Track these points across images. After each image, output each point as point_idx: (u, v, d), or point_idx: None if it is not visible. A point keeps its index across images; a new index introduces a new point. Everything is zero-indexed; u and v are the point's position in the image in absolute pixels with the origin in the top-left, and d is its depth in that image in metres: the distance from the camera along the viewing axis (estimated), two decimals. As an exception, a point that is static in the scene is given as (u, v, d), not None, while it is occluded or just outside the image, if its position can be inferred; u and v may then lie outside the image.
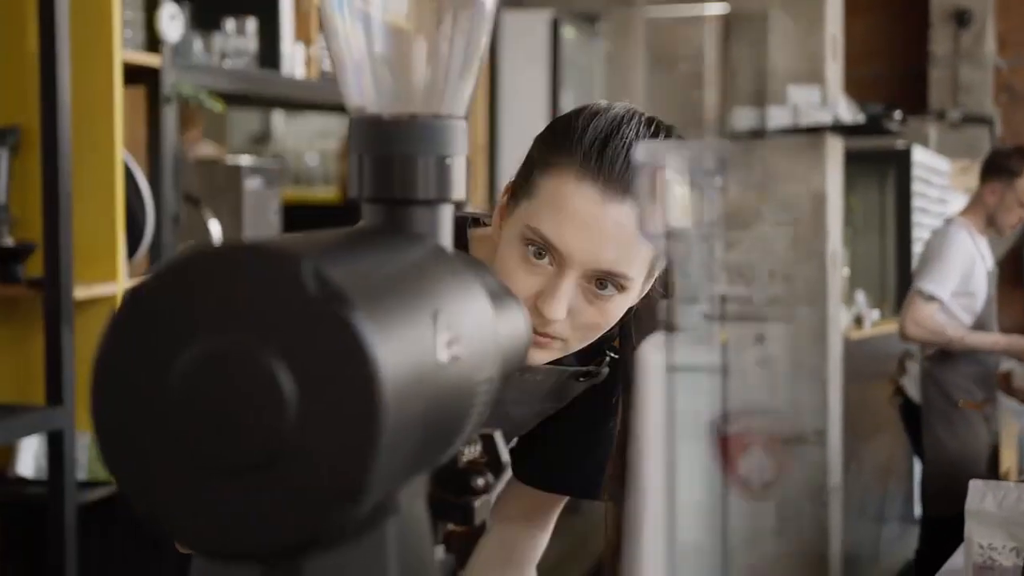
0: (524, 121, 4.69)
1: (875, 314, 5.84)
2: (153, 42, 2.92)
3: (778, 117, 5.35)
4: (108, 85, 2.64)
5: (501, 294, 0.73)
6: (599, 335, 1.24)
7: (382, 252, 0.61)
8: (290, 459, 0.52)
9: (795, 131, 5.29)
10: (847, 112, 5.60)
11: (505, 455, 0.75)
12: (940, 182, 7.04)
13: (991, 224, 4.33)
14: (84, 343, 2.49)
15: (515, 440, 1.39)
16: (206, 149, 5.03)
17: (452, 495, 0.75)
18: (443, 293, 0.61)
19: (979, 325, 4.30)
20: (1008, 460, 4.59)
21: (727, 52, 5.31)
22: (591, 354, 1.34)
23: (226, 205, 3.30)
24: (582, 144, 1.18)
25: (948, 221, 4.46)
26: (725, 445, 0.59)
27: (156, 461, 0.54)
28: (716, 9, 5.45)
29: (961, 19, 7.34)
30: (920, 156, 6.69)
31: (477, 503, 0.75)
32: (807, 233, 5.32)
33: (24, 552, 2.72)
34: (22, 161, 2.57)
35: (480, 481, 0.75)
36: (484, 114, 4.79)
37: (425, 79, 0.69)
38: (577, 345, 1.23)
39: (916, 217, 6.61)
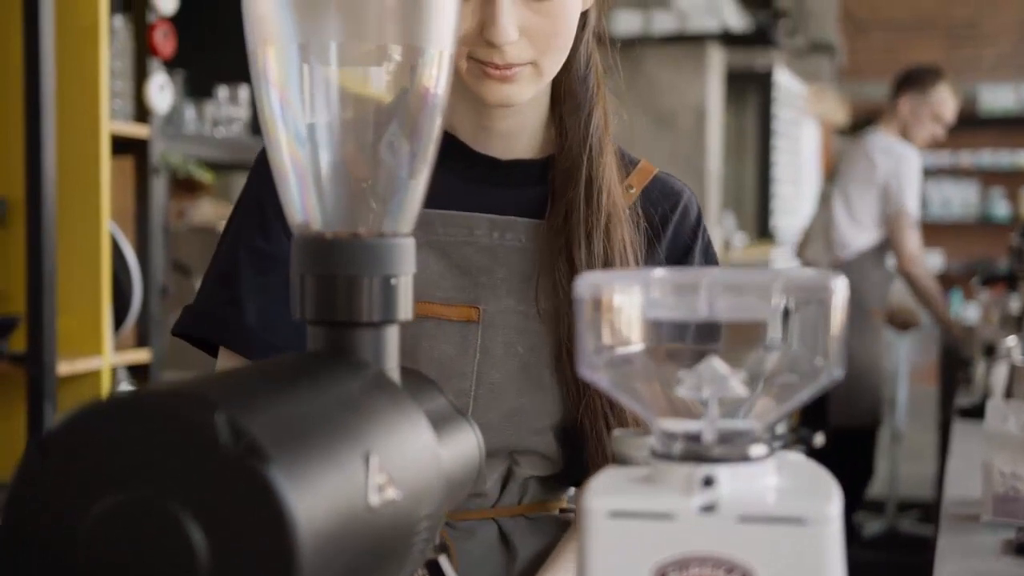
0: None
1: (741, 237, 5.86)
2: (143, 112, 2.91)
3: (662, 21, 5.21)
4: (95, 156, 2.62)
5: (449, 416, 0.70)
6: (567, 48, 1.16)
7: (314, 388, 0.57)
8: (202, 622, 0.48)
9: (679, 39, 5.17)
10: (736, 19, 5.46)
11: (455, 580, 0.72)
12: (797, 106, 7.00)
13: (904, 138, 4.30)
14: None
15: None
16: (205, 209, 4.99)
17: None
18: (378, 430, 0.58)
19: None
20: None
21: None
22: None
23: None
24: None
25: (872, 135, 4.37)
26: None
27: (63, 621, 0.50)
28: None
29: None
30: (781, 78, 6.60)
31: (430, 632, 0.71)
32: (687, 147, 5.26)
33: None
34: (8, 233, 2.54)
35: (431, 610, 0.71)
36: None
37: (369, 195, 0.66)
38: (549, 67, 1.15)
39: (772, 140, 6.56)
